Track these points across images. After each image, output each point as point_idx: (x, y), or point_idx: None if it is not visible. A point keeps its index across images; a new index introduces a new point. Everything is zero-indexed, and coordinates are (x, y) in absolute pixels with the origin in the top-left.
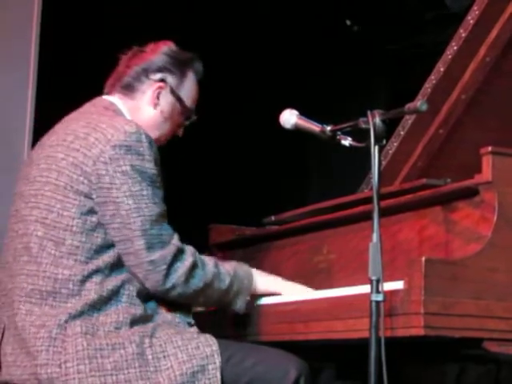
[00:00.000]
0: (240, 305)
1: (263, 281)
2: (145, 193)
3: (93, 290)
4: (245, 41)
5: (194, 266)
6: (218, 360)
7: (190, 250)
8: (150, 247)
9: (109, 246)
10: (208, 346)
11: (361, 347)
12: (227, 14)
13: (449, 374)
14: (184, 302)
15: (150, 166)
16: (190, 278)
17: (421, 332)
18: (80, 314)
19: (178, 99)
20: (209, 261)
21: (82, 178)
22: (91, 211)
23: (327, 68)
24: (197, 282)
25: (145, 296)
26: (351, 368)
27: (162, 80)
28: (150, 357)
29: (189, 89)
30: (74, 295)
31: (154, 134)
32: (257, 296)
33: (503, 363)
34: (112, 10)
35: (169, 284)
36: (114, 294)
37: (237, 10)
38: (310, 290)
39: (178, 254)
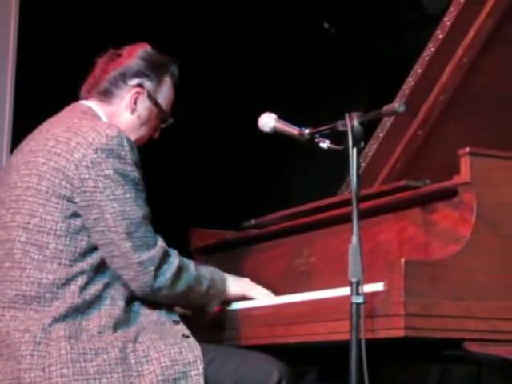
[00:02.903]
0: (212, 307)
1: (234, 285)
2: (128, 196)
3: (76, 294)
4: (226, 42)
5: (180, 269)
6: (200, 366)
7: (174, 252)
8: (136, 249)
9: (93, 248)
10: (191, 352)
11: (342, 349)
12: (209, 16)
13: (431, 375)
14: (165, 303)
15: (131, 169)
16: (177, 280)
17: (401, 333)
18: (64, 318)
19: (155, 103)
20: (189, 263)
21: (64, 183)
22: (75, 214)
23: (309, 70)
24: (182, 285)
25: (128, 298)
26: (333, 371)
27: (139, 85)
28: (132, 361)
29: (165, 92)
30: (58, 298)
31: (131, 138)
32: (228, 300)
33: (484, 364)
34: (92, 11)
35: (157, 285)
36: (97, 298)
37: (218, 11)
38: (270, 293)
39: (165, 256)
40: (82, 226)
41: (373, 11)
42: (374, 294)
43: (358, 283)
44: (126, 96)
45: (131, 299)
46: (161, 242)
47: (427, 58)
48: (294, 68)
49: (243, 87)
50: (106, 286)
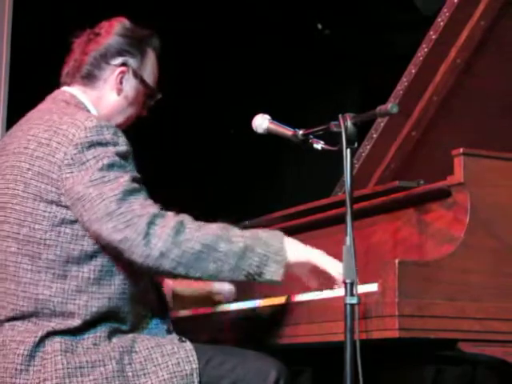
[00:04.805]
0: (273, 272)
1: (294, 247)
2: (106, 179)
3: (76, 314)
4: (218, 43)
5: (179, 227)
6: (196, 380)
7: (172, 214)
8: (120, 229)
9: (86, 257)
10: (188, 363)
11: (337, 350)
12: (206, 17)
13: (425, 376)
14: (194, 276)
15: (113, 153)
16: (179, 238)
17: (395, 334)
18: (60, 333)
19: (142, 81)
20: (211, 224)
21: (49, 187)
22: (63, 222)
23: (300, 70)
24: (191, 243)
25: (125, 313)
26: (328, 372)
27: (123, 64)
28: (130, 374)
29: (150, 67)
30: (57, 315)
31: (119, 119)
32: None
33: (479, 364)
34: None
35: (155, 252)
36: (98, 316)
37: (215, 12)
38: (337, 262)
39: (155, 219)
40: (74, 235)
41: (366, 13)
42: (368, 295)
43: (352, 284)
44: (110, 77)
45: (127, 314)
46: (150, 208)
47: (421, 59)
48: (286, 68)
49: (237, 88)
50: (108, 302)
